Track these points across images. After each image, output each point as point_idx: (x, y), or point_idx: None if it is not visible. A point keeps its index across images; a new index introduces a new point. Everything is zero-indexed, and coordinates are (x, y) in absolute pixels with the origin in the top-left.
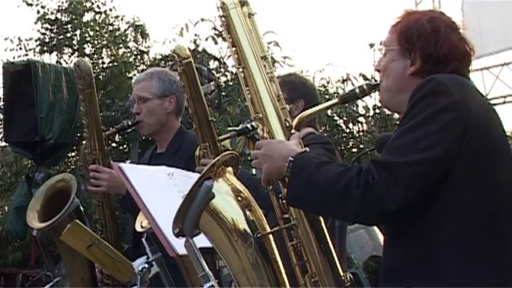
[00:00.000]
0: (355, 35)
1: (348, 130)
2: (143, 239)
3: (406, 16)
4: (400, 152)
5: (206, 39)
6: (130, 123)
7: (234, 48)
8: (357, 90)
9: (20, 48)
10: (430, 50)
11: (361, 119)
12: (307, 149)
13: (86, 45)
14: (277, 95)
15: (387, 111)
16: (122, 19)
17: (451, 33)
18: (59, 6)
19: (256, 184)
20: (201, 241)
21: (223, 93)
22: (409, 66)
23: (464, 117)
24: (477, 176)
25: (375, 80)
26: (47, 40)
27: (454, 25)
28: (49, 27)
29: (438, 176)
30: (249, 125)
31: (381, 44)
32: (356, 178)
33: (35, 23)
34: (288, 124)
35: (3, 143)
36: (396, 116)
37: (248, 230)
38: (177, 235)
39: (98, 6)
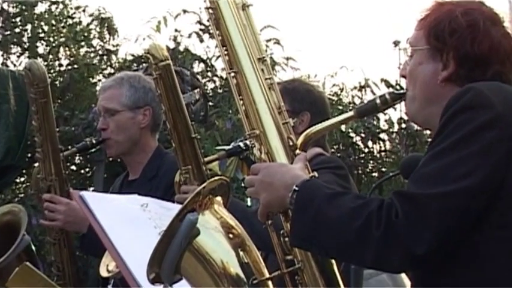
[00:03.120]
0: (375, 30)
1: (366, 150)
2: (110, 287)
3: (437, 8)
4: (429, 181)
5: (189, 36)
6: (94, 141)
7: (224, 48)
8: (378, 101)
9: None
10: (466, 50)
11: (383, 135)
12: (316, 174)
13: (39, 43)
14: (278, 106)
15: (416, 126)
16: (83, 11)
17: (492, 27)
18: None
19: (252, 218)
20: None
21: (211, 104)
22: (440, 71)
23: (509, 136)
24: None
25: (401, 88)
26: None
27: (496, 17)
28: None
29: (478, 211)
30: (242, 144)
31: (407, 42)
32: (376, 214)
33: None
34: (291, 143)
35: None
36: (427, 132)
37: (241, 275)
38: (152, 281)
39: None
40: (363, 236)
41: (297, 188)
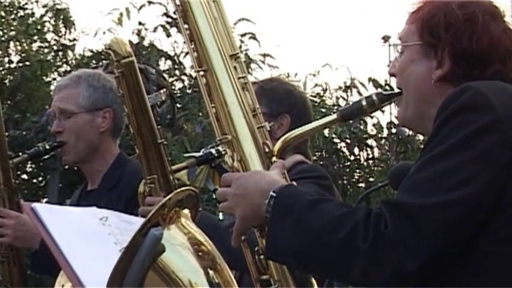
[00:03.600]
0: (363, 24)
1: (352, 157)
2: None
3: (430, 0)
4: (423, 190)
5: (155, 30)
6: (48, 146)
7: (192, 43)
8: (364, 103)
9: None
10: (463, 46)
11: (370, 141)
12: (295, 183)
13: None
14: (253, 108)
15: (407, 131)
16: (36, 1)
17: (491, 22)
18: None
19: (224, 233)
20: None
21: (179, 105)
22: (434, 69)
23: (511, 141)
24: None
25: (390, 88)
26: None
27: (496, 11)
28: None
29: (476, 223)
30: (213, 151)
31: (398, 37)
32: (363, 224)
33: None
34: (267, 149)
35: None
36: (420, 137)
37: None
38: None
39: None
40: (348, 248)
41: (274, 194)
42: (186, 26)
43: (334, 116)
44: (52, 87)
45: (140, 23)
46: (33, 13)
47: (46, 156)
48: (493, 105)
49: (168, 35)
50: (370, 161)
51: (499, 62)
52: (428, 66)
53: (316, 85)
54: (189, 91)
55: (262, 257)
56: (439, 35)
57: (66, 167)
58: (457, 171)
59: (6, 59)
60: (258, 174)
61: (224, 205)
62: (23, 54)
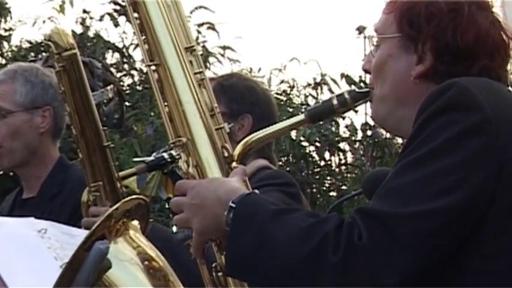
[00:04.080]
0: (335, 13)
1: (322, 163)
2: None
3: None
4: (401, 197)
5: (101, 19)
6: None
7: (143, 35)
8: (335, 102)
9: None
10: (447, 40)
11: (343, 145)
12: (257, 191)
13: None
14: (210, 107)
15: (384, 134)
16: None
17: (479, 13)
18: None
19: (177, 247)
20: None
21: (128, 104)
22: (414, 65)
23: (501, 144)
24: None
25: (365, 85)
26: None
27: (484, 1)
28: None
29: (463, 235)
30: (166, 155)
31: (374, 29)
32: (334, 235)
33: None
34: (226, 153)
35: None
36: (398, 140)
37: None
38: None
39: None
40: (317, 262)
41: (233, 205)
42: (135, 15)
43: (302, 117)
44: None
45: (84, 11)
46: None
47: None
48: (481, 104)
49: (116, 25)
50: (343, 167)
51: (486, 57)
52: (408, 61)
53: (282, 81)
54: (139, 88)
55: (220, 273)
56: (419, 26)
57: (1, 172)
58: (441, 177)
59: None
60: (216, 181)
61: (179, 217)
62: None
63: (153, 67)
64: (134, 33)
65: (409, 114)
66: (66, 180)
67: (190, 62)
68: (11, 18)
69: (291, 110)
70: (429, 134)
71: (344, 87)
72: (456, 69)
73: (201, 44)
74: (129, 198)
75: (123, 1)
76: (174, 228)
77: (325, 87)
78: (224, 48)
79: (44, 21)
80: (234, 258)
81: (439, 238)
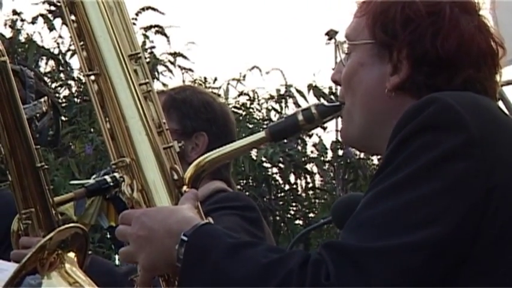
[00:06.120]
0: (303, 17)
1: (287, 186)
2: None
3: None
4: (375, 229)
5: (33, 21)
6: None
7: (81, 40)
8: (300, 117)
9: None
10: (425, 47)
11: (310, 166)
12: (211, 219)
13: None
14: (158, 124)
15: (358, 154)
16: None
17: (462, 17)
18: None
19: (121, 282)
20: None
21: (64, 119)
22: (389, 75)
23: (488, 169)
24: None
25: (335, 98)
26: None
27: (469, 4)
28: None
29: (443, 271)
30: (108, 178)
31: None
32: (297, 275)
33: None
34: (176, 176)
35: None
36: (375, 161)
37: None
38: None
39: None
40: None
41: (185, 238)
42: (73, 17)
43: (263, 134)
44: None
45: (15, 12)
46: None
47: None
48: (466, 123)
49: (51, 28)
50: (310, 192)
51: (471, 67)
52: (381, 71)
53: (241, 93)
54: (77, 100)
55: None
56: (395, 32)
57: None
58: (420, 206)
59: None
60: (166, 210)
61: (124, 250)
62: None
63: (92, 77)
64: (71, 37)
65: (383, 132)
66: None
67: (135, 71)
68: None
69: (251, 126)
70: (406, 157)
71: (312, 100)
72: (436, 80)
73: (148, 51)
74: (65, 226)
75: (58, 1)
76: (117, 261)
77: (290, 100)
78: (175, 55)
79: None
80: None
81: (417, 275)
